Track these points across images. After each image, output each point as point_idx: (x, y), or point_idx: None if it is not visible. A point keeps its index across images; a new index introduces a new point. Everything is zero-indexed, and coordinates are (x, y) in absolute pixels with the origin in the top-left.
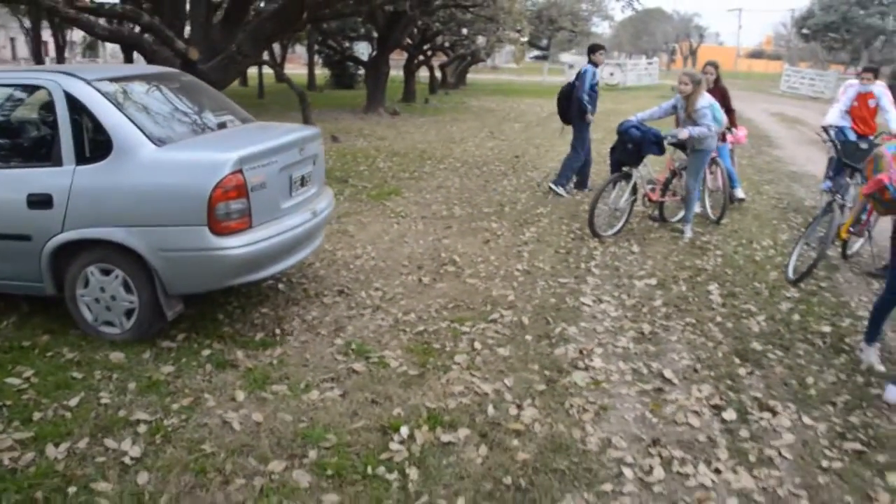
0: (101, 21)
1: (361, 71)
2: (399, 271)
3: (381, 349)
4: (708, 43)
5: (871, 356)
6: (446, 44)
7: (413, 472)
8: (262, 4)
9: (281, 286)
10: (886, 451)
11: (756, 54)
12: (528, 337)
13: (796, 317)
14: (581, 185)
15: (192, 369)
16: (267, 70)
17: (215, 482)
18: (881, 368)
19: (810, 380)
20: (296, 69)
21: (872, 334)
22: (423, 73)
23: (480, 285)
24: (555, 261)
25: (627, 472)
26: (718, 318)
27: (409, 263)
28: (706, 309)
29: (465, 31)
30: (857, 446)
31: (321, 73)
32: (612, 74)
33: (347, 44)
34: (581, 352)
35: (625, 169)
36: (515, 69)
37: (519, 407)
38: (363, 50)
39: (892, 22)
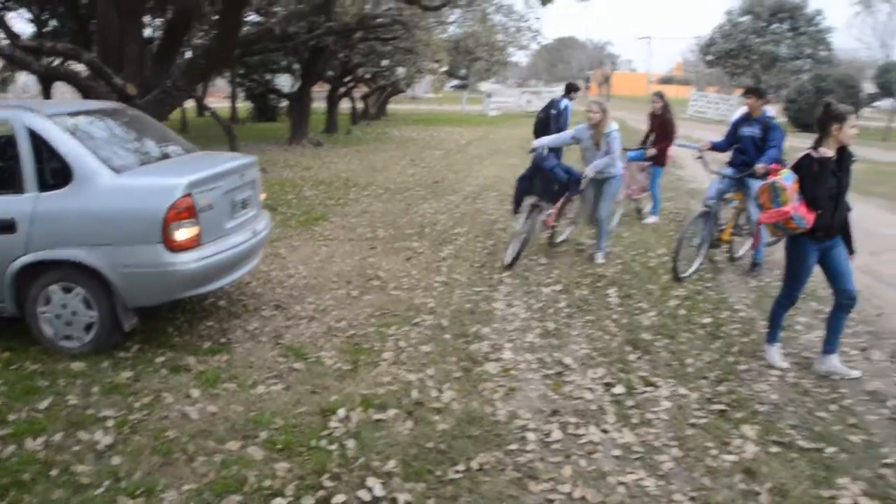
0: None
1: (284, 103)
2: (329, 287)
3: (317, 351)
4: (621, 70)
5: (774, 355)
6: (367, 75)
7: (350, 443)
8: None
9: (222, 302)
10: (743, 410)
11: (667, 80)
12: (447, 336)
13: (682, 311)
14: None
15: (149, 374)
16: (188, 103)
17: (181, 460)
18: (784, 365)
19: (689, 360)
20: (216, 102)
21: (773, 335)
22: (345, 105)
23: (404, 296)
24: (470, 273)
25: (531, 435)
26: (615, 316)
27: (339, 279)
28: (604, 308)
29: (384, 62)
30: (721, 407)
31: (243, 105)
32: (529, 102)
33: (269, 76)
34: (493, 347)
35: (540, 204)
36: (435, 99)
37: (439, 391)
38: (285, 82)
39: (785, 49)
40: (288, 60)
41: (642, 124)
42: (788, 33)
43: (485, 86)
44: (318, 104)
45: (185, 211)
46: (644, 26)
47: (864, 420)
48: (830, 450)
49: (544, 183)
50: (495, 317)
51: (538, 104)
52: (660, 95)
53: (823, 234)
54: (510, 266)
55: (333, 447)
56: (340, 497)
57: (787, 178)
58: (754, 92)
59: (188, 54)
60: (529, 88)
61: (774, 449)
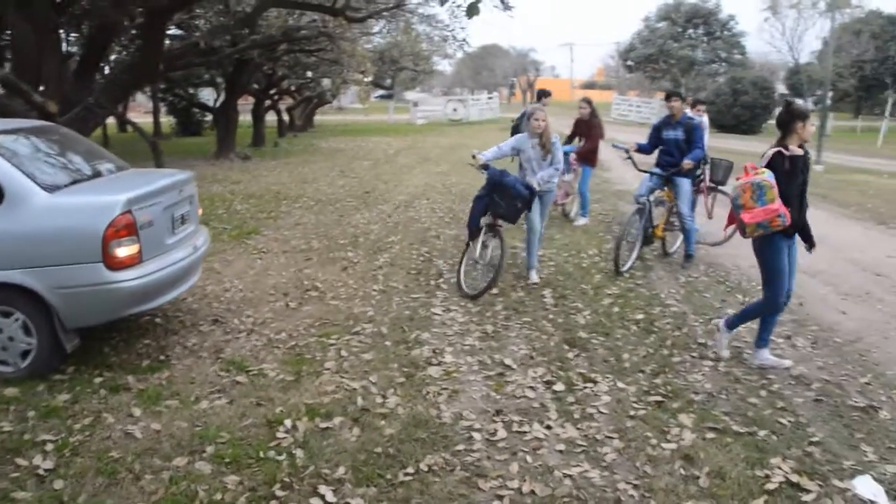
0: None
1: (208, 117)
2: (266, 299)
3: (259, 363)
4: (545, 76)
5: (769, 358)
6: (292, 87)
7: (299, 452)
8: (112, 57)
9: (158, 320)
10: (679, 400)
11: (589, 85)
12: (388, 343)
13: (616, 309)
14: None
15: (87, 395)
16: (108, 119)
17: (127, 479)
18: (726, 354)
19: (626, 356)
20: (137, 117)
21: (736, 322)
22: (271, 117)
23: (342, 305)
24: (407, 280)
25: (476, 435)
26: (551, 316)
27: (276, 292)
28: (541, 309)
29: (310, 74)
30: (658, 398)
31: (166, 120)
32: (455, 110)
33: (192, 90)
34: (434, 351)
35: (496, 224)
36: (362, 109)
37: (384, 397)
38: (208, 96)
39: (701, 54)
40: (211, 74)
41: (566, 129)
42: (704, 38)
43: (411, 95)
44: (244, 117)
45: (125, 228)
46: (566, 33)
47: (791, 403)
48: (762, 432)
49: (507, 200)
50: (434, 322)
51: (464, 112)
52: (587, 101)
53: (792, 231)
54: (475, 298)
55: (282, 457)
56: None
57: (769, 176)
58: (676, 96)
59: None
60: (455, 96)
61: (710, 435)
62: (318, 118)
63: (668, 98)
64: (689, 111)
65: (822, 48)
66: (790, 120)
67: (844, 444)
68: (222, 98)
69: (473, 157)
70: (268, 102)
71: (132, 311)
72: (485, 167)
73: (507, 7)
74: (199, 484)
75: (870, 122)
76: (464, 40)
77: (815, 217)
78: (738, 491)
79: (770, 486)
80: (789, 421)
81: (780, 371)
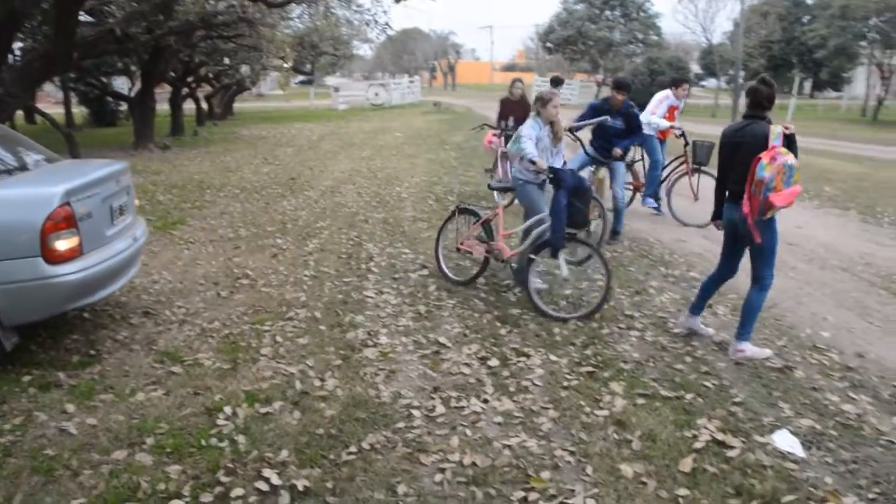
0: None
1: (124, 107)
2: (196, 289)
3: (194, 353)
4: (466, 59)
5: (751, 349)
6: (210, 74)
7: (241, 438)
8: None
9: (86, 314)
10: (609, 369)
11: (510, 67)
12: (322, 327)
13: (546, 287)
14: None
15: (15, 394)
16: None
17: (65, 476)
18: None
19: (556, 330)
20: (48, 108)
21: (698, 307)
22: (189, 106)
23: (274, 292)
24: (338, 264)
25: (416, 412)
26: (482, 295)
27: (206, 281)
28: (472, 289)
29: (227, 61)
30: (590, 369)
31: (78, 111)
32: (376, 95)
33: (105, 79)
34: (369, 333)
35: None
36: (282, 95)
37: (322, 380)
38: (122, 85)
39: (619, 35)
40: (124, 62)
41: (489, 111)
42: (621, 20)
43: (332, 80)
44: (161, 106)
45: (64, 221)
46: (485, 15)
47: (715, 367)
48: (689, 396)
49: (584, 204)
50: (368, 305)
51: (386, 96)
52: (521, 81)
53: None
54: (590, 315)
55: (224, 444)
56: (238, 491)
57: (793, 158)
58: (625, 88)
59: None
60: (376, 81)
61: (640, 401)
62: (237, 106)
63: (618, 89)
64: (671, 92)
65: (732, 29)
66: (773, 97)
67: (764, 402)
68: (138, 87)
69: (533, 162)
70: (185, 91)
71: (73, 306)
72: (552, 170)
73: None
74: (141, 475)
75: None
76: (386, 24)
77: None
78: (669, 451)
79: (697, 445)
80: (713, 384)
81: (702, 338)
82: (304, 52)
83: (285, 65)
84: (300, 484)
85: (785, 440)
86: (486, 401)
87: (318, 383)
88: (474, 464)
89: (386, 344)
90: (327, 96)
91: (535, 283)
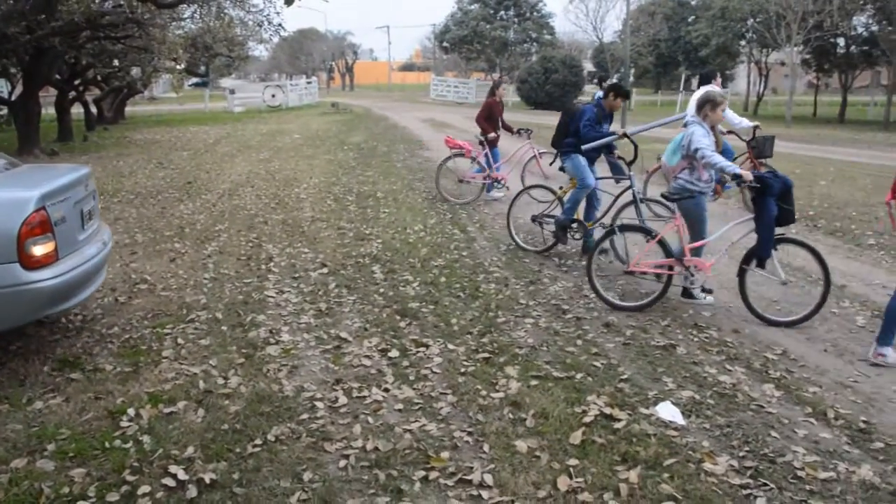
0: None
1: (3, 111)
2: (94, 296)
3: (94, 359)
4: (364, 59)
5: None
6: (99, 77)
7: (146, 438)
8: None
9: None
10: (505, 355)
11: (408, 67)
12: (224, 328)
13: (443, 279)
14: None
15: None
16: None
17: None
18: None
19: (454, 320)
20: None
21: (889, 337)
22: (78, 110)
23: (174, 296)
24: (238, 266)
25: (319, 404)
26: (381, 290)
27: (103, 287)
28: (371, 284)
29: (116, 62)
30: (486, 355)
31: None
32: (273, 96)
33: None
34: (271, 332)
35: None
36: (176, 98)
37: (225, 378)
38: (1, 87)
39: (513, 34)
40: (3, 63)
41: (388, 111)
42: (515, 19)
43: (227, 82)
44: (47, 110)
45: (39, 226)
46: (382, 15)
47: (604, 348)
48: (579, 375)
49: (791, 203)
50: (269, 304)
51: (283, 98)
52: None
53: None
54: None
55: (129, 445)
56: (145, 488)
57: None
58: (625, 96)
59: None
60: (273, 82)
61: (534, 382)
62: (129, 109)
63: (621, 96)
64: (715, 84)
65: (622, 28)
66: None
67: (649, 378)
68: (19, 90)
69: (739, 175)
70: (73, 94)
71: (49, 312)
72: (758, 179)
73: None
74: (43, 481)
75: (668, 95)
76: (280, 24)
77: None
78: (560, 426)
79: (587, 420)
80: (602, 363)
81: (593, 322)
82: (197, 53)
83: (178, 67)
84: (207, 477)
85: (667, 410)
86: (386, 390)
87: (221, 381)
88: (377, 448)
89: (288, 341)
90: (223, 98)
91: (753, 290)
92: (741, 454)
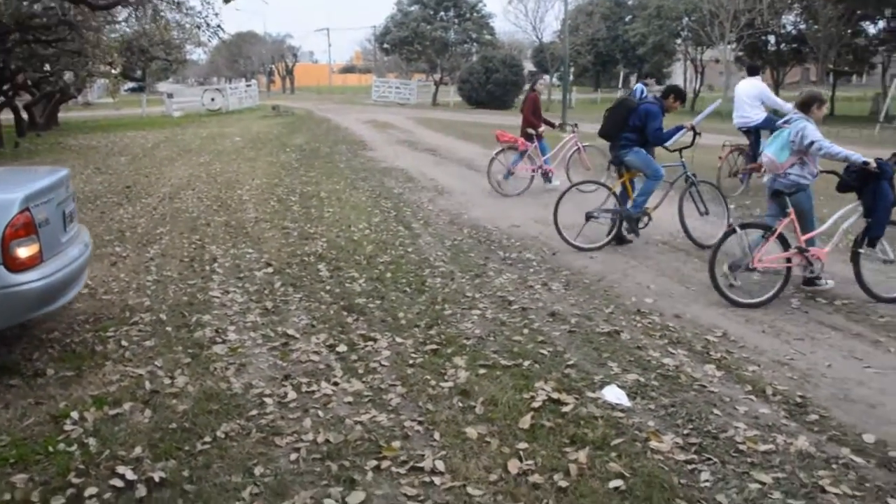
0: None
1: None
2: None
3: (33, 364)
4: (304, 62)
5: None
6: (30, 82)
7: (91, 441)
8: None
9: None
10: (453, 346)
11: (349, 69)
12: (169, 328)
13: (389, 275)
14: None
15: None
16: None
17: None
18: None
19: (401, 314)
20: None
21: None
22: (7, 116)
23: (116, 299)
24: (181, 268)
25: (268, 400)
26: (328, 287)
27: None
28: (317, 282)
29: (48, 67)
30: (434, 347)
31: None
32: (213, 100)
33: None
34: (217, 331)
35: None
36: (112, 103)
37: (172, 378)
38: None
39: (454, 35)
40: None
41: (329, 113)
42: (455, 20)
43: (164, 86)
44: None
45: (24, 228)
46: (321, 18)
47: (550, 336)
48: (527, 363)
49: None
50: (214, 304)
51: (222, 101)
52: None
53: None
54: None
55: (74, 448)
56: (92, 490)
57: None
58: (683, 99)
59: None
60: (212, 86)
61: (482, 371)
62: (63, 115)
63: (679, 99)
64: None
65: (561, 28)
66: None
67: (595, 363)
68: None
69: (867, 163)
70: (2, 99)
71: (34, 315)
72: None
73: None
74: None
75: (607, 93)
76: (218, 27)
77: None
78: (509, 412)
79: (535, 405)
80: (549, 351)
81: (538, 312)
82: (133, 57)
83: (113, 71)
84: (156, 476)
85: (613, 393)
86: (336, 383)
87: (168, 381)
88: (328, 441)
89: (235, 340)
90: (161, 103)
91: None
92: (685, 432)
